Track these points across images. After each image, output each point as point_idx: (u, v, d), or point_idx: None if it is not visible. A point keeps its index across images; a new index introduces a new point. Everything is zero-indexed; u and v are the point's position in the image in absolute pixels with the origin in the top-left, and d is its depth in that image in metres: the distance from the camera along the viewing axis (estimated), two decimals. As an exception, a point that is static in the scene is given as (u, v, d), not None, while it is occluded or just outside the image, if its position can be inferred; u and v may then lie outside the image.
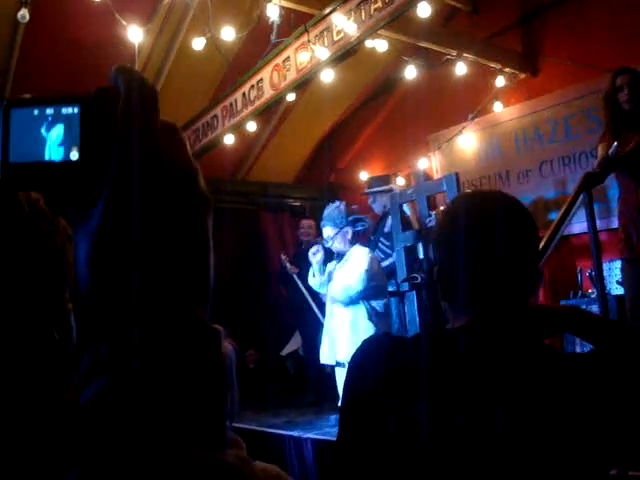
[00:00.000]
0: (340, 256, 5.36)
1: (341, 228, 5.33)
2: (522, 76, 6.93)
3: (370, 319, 5.17)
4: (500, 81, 6.85)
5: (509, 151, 7.07)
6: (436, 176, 7.08)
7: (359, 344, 1.33)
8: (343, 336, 5.25)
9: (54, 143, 0.50)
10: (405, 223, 6.16)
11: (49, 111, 0.51)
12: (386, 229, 6.42)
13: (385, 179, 6.87)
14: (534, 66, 6.94)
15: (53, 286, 0.86)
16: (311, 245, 6.64)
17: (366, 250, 5.37)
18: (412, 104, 7.24)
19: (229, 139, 6.83)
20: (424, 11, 4.95)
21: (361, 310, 5.19)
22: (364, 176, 8.48)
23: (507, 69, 6.82)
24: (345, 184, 8.89)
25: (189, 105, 6.97)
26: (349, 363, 1.32)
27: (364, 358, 1.29)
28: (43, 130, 0.50)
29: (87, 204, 0.49)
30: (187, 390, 0.45)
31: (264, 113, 6.73)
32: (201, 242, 0.49)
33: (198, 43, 5.77)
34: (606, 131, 4.34)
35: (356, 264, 5.18)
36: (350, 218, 5.38)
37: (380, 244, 6.43)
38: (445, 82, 6.88)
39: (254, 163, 8.81)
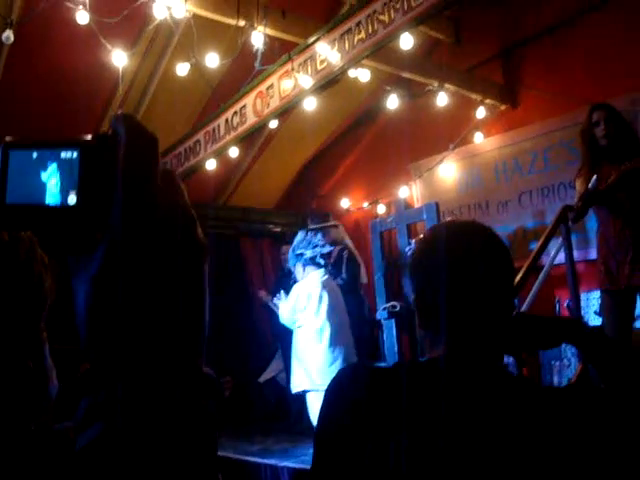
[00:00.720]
0: None
1: (294, 265, 5.80)
2: (502, 107, 7.03)
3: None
4: (481, 112, 6.93)
5: (489, 181, 7.14)
6: (417, 204, 7.13)
7: (334, 373, 1.33)
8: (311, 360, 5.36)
9: (52, 187, 0.50)
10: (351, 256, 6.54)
11: (48, 154, 0.50)
12: (331, 260, 6.70)
13: (325, 217, 7.15)
14: (514, 98, 7.04)
15: (30, 315, 0.86)
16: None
17: (312, 272, 5.68)
18: (394, 133, 7.32)
19: (211, 164, 6.83)
20: (407, 43, 5.01)
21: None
22: (345, 203, 8.53)
23: (488, 100, 6.91)
24: (326, 211, 8.91)
25: (172, 130, 6.98)
26: (325, 393, 1.31)
27: (340, 388, 1.28)
28: (41, 173, 0.50)
29: (84, 249, 0.48)
30: (181, 438, 0.45)
31: (246, 139, 6.75)
32: (198, 290, 0.49)
33: (182, 68, 5.79)
34: (583, 165, 4.40)
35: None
36: (297, 252, 5.77)
37: None
38: (426, 112, 6.95)
39: (236, 188, 8.81)
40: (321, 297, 5.53)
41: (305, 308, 5.46)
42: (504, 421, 1.13)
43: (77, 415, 0.46)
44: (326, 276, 5.72)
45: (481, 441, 1.11)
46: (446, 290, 1.24)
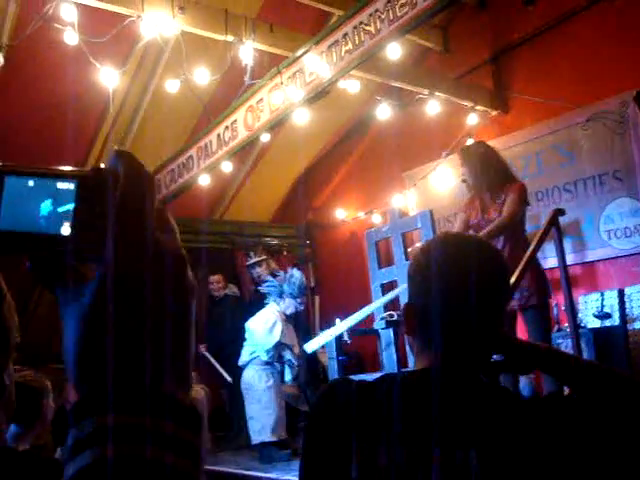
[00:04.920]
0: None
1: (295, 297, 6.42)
2: (494, 113, 7.05)
3: None
4: (472, 118, 6.95)
5: (483, 187, 7.13)
6: (411, 213, 7.12)
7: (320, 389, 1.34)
8: None
9: (46, 216, 0.49)
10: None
11: (44, 183, 0.50)
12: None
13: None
14: (505, 103, 7.06)
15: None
16: (221, 299, 7.49)
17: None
18: (386, 142, 7.34)
19: (204, 179, 6.84)
20: (394, 52, 5.04)
21: None
22: (341, 214, 8.55)
23: (479, 107, 6.93)
24: (322, 222, 8.92)
25: (164, 146, 7.00)
26: (310, 408, 1.31)
27: (326, 403, 1.27)
28: (36, 201, 0.50)
29: (74, 281, 0.49)
30: (166, 472, 0.45)
31: (239, 153, 6.77)
32: (185, 327, 0.49)
33: (173, 85, 5.81)
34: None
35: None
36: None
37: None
38: (418, 120, 6.97)
39: (230, 203, 8.83)
40: None
41: None
42: (496, 431, 1.13)
43: (66, 444, 0.46)
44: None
45: (475, 449, 1.11)
46: (443, 302, 1.24)
